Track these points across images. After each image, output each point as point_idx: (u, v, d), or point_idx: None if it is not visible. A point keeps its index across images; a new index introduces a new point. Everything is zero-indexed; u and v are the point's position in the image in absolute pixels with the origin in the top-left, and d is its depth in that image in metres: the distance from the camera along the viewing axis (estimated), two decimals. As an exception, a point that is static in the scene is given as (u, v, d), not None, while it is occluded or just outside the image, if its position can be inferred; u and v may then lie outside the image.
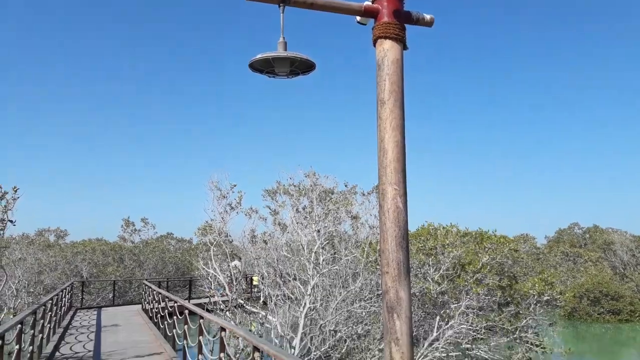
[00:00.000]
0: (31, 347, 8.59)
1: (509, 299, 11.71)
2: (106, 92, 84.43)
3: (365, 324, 11.01)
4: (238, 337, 12.81)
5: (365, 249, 11.57)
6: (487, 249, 11.34)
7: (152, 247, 31.90)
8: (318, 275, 11.01)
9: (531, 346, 11.23)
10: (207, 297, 20.52)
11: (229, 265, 14.52)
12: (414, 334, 10.96)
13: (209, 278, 14.23)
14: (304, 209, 12.91)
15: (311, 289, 10.95)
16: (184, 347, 9.62)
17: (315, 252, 11.32)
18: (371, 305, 10.91)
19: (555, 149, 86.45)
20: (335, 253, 12.38)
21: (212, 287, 13.74)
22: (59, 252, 26.38)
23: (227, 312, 12.38)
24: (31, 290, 18.28)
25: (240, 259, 14.93)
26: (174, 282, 29.14)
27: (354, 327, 10.87)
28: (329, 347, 10.86)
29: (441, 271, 10.82)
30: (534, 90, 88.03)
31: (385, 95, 3.42)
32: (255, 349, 5.21)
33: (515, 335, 11.10)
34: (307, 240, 11.98)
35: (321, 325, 10.71)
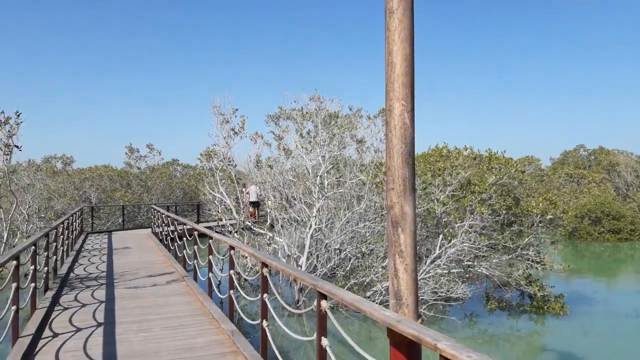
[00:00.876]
0: (46, 268, 8.91)
1: (512, 218, 11.88)
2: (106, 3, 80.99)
3: (369, 243, 11.28)
4: (247, 257, 13.28)
5: (371, 171, 11.59)
6: (493, 169, 11.32)
7: (158, 173, 32.20)
8: (323, 198, 11.13)
9: (532, 263, 11.55)
10: (215, 220, 21.03)
11: (242, 190, 14.70)
12: (417, 252, 11.31)
13: (216, 202, 14.48)
14: (308, 133, 12.83)
15: (316, 212, 11.12)
16: (195, 266, 9.95)
17: (320, 176, 11.38)
18: (375, 226, 11.13)
19: (562, 68, 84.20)
20: (340, 177, 12.44)
21: (220, 211, 14.01)
22: (66, 179, 26.72)
23: (235, 234, 12.70)
24: (42, 215, 18.71)
25: (255, 183, 15.05)
26: (182, 207, 29.71)
27: (359, 246, 11.16)
28: (334, 265, 11.22)
29: (447, 192, 10.88)
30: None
31: (394, 3, 3.22)
32: (264, 264, 5.34)
33: (516, 253, 11.38)
34: (312, 165, 12.01)
35: (326, 244, 10.99)
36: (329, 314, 3.83)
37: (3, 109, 10.62)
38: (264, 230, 12.78)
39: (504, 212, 11.09)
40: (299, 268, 11.08)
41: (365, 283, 10.70)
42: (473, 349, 2.35)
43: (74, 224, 16.35)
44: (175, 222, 13.13)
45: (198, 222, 24.78)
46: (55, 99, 77.19)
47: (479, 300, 11.97)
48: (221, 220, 13.93)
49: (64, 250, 12.63)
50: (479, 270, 11.55)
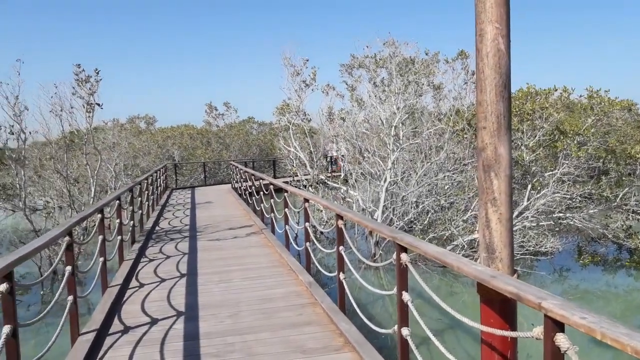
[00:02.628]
0: (132, 222, 9.34)
1: (610, 165, 10.79)
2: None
3: (449, 196, 10.76)
4: (322, 210, 13.26)
5: (452, 118, 10.90)
6: (594, 110, 10.18)
7: (236, 130, 32.95)
8: (398, 150, 10.68)
9: (632, 215, 10.52)
10: (290, 175, 21.22)
11: (325, 150, 14.46)
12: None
13: (291, 157, 14.48)
14: (382, 82, 12.25)
15: (391, 164, 10.72)
16: (272, 219, 10.03)
17: (395, 127, 10.89)
18: (456, 176, 10.54)
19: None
20: (415, 127, 11.87)
21: (294, 166, 14.00)
22: (150, 137, 28.05)
23: (310, 188, 12.65)
24: (129, 173, 19.79)
25: (337, 142, 14.83)
26: (259, 163, 30.34)
27: (438, 199, 10.67)
28: (411, 219, 10.86)
29: (537, 137, 10.00)
30: None
31: None
32: (339, 216, 5.14)
33: (615, 204, 10.39)
34: (386, 115, 11.52)
35: (403, 197, 10.61)
36: (410, 267, 3.55)
37: (83, 67, 11.00)
38: (338, 184, 12.61)
39: (603, 156, 10.03)
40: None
41: (445, 237, 10.29)
42: (587, 308, 1.98)
43: (158, 180, 17.12)
44: (253, 178, 13.31)
45: (274, 177, 25.17)
46: (136, 60, 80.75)
47: (569, 255, 11.18)
48: (296, 175, 13.94)
49: (149, 205, 13.25)
50: (571, 223, 10.70)
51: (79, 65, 11.06)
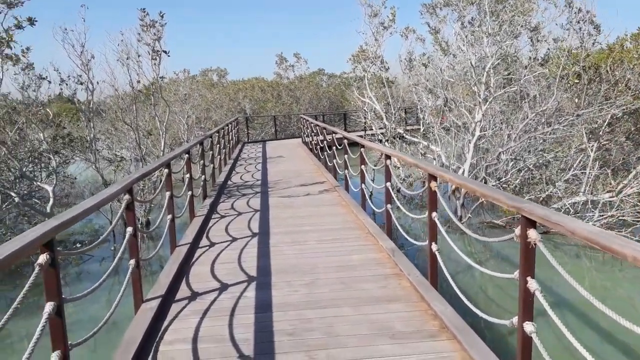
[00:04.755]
0: (203, 176, 9.01)
1: None
2: None
3: (548, 152, 9.48)
4: (398, 167, 12.41)
5: (562, 60, 9.42)
6: None
7: (306, 83, 32.24)
8: (491, 99, 9.47)
9: None
10: (363, 129, 20.30)
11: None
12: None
13: (365, 109, 13.58)
14: (470, 22, 10.87)
15: (481, 116, 9.57)
16: (346, 176, 9.35)
17: (487, 73, 9.63)
18: (567, 130, 9.15)
19: None
20: (509, 74, 10.51)
21: (369, 118, 13.11)
22: (222, 90, 28.01)
23: (386, 143, 11.77)
24: (202, 126, 19.77)
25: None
26: (329, 116, 29.62)
27: (543, 155, 9.37)
28: (503, 177, 9.74)
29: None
30: None
31: None
32: (432, 177, 4.31)
33: None
34: (475, 61, 10.24)
35: (500, 153, 9.40)
36: (541, 247, 2.72)
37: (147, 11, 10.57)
38: (418, 138, 11.62)
39: None
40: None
41: (541, 199, 9.15)
42: None
43: (230, 133, 16.90)
44: (325, 131, 12.62)
45: (345, 131, 24.40)
46: (208, 13, 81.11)
47: None
48: (371, 128, 13.06)
49: (221, 158, 13.00)
50: None
51: (143, 9, 10.69)
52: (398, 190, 12.01)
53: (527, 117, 9.01)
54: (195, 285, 4.79)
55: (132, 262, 4.16)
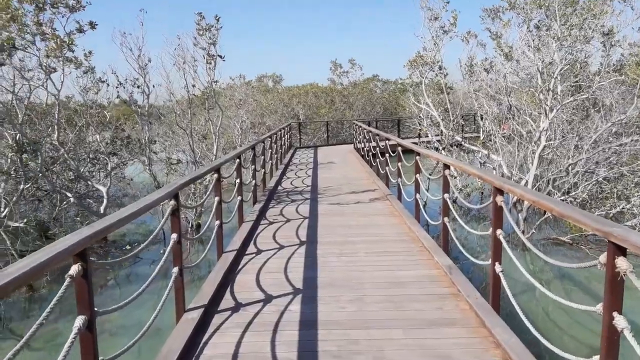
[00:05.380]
0: (254, 181, 8.90)
1: None
2: None
3: (622, 165, 8.72)
4: (455, 177, 11.88)
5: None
6: None
7: (360, 88, 31.95)
8: (559, 107, 8.82)
9: None
10: (417, 136, 19.76)
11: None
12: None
13: (421, 115, 13.13)
14: (537, 26, 10.24)
15: (549, 124, 8.93)
16: (399, 185, 8.98)
17: (554, 79, 9.00)
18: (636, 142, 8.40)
19: None
20: (577, 81, 9.80)
21: (425, 125, 12.65)
22: (276, 96, 28.18)
23: (443, 151, 11.28)
24: (256, 131, 19.89)
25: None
26: (382, 122, 29.18)
27: (619, 168, 8.61)
28: (571, 191, 9.05)
29: None
30: None
31: None
32: (498, 190, 3.92)
33: None
34: (542, 66, 9.61)
35: (569, 166, 8.69)
36: (633, 279, 2.32)
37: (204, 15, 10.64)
38: (477, 146, 11.05)
39: None
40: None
41: (611, 216, 8.41)
42: None
43: (283, 138, 16.86)
44: (378, 138, 12.28)
45: (399, 137, 23.89)
46: (261, 19, 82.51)
47: None
48: (426, 135, 12.60)
49: (272, 163, 12.93)
50: None
51: (200, 13, 10.80)
52: (454, 201, 11.50)
53: (601, 127, 8.28)
54: (239, 295, 4.61)
55: (176, 270, 4.02)
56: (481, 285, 6.79)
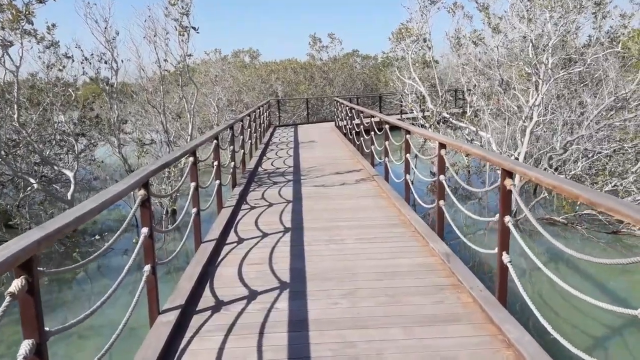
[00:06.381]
0: (232, 163, 8.40)
1: None
2: None
3: (618, 141, 8.44)
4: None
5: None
6: None
7: (340, 64, 31.28)
8: (550, 81, 8.47)
9: None
10: (400, 112, 19.40)
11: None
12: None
13: (405, 91, 12.70)
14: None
15: (540, 99, 8.59)
16: (386, 164, 8.59)
17: (547, 51, 8.62)
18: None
19: None
20: (568, 54, 9.46)
21: (409, 101, 12.23)
22: (254, 72, 27.35)
23: (430, 128, 10.91)
24: (233, 109, 19.20)
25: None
26: (363, 99, 28.70)
27: (621, 144, 8.27)
28: (558, 168, 8.80)
29: None
30: None
31: None
32: (507, 172, 3.54)
33: None
34: (532, 38, 9.22)
35: (567, 143, 8.34)
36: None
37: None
38: (465, 123, 10.69)
39: None
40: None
41: (605, 192, 8.16)
42: None
43: (262, 117, 16.28)
44: (362, 115, 11.83)
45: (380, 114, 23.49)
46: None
47: None
48: (412, 111, 12.20)
49: (252, 143, 12.40)
50: None
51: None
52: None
53: (603, 102, 7.94)
54: (220, 292, 4.19)
55: (147, 268, 3.57)
56: (481, 274, 6.38)
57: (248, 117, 11.82)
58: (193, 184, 5.18)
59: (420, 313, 3.71)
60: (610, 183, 8.07)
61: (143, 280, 3.51)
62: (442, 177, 5.26)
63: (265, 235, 5.75)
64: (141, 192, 3.53)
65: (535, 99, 8.48)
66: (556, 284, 3.11)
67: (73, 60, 9.75)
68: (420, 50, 12.27)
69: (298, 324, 3.58)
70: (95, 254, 2.90)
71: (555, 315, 5.64)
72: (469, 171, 11.57)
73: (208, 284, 4.34)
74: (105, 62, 10.04)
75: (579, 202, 7.62)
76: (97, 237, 8.40)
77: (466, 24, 13.42)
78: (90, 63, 9.99)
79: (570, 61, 9.18)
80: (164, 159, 4.37)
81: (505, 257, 3.63)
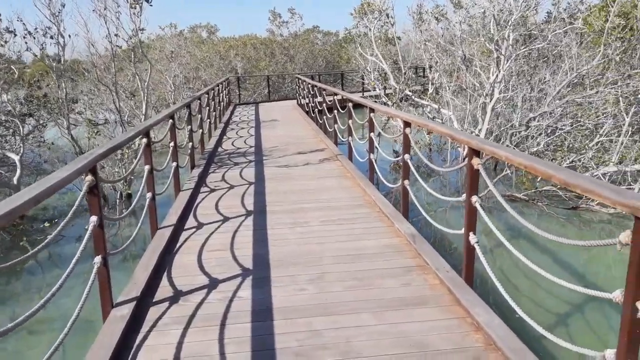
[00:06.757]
0: (190, 144, 8.07)
1: None
2: None
3: (580, 117, 8.55)
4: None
5: (612, 11, 8.28)
6: None
7: (301, 40, 30.76)
8: (513, 56, 8.47)
9: None
10: (362, 90, 19.25)
11: None
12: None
13: (368, 68, 12.53)
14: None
15: (501, 76, 8.60)
16: (349, 144, 8.45)
17: (508, 27, 8.60)
18: (600, 94, 8.18)
19: None
20: (530, 30, 9.48)
21: (372, 78, 12.08)
22: (212, 48, 26.51)
23: (393, 106, 10.80)
24: (190, 86, 18.57)
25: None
26: (324, 76, 28.39)
27: (582, 122, 8.39)
28: (519, 143, 8.88)
29: None
30: None
31: None
32: (474, 151, 3.45)
33: None
34: (494, 13, 9.18)
35: (530, 119, 8.37)
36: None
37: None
38: (427, 100, 10.65)
39: None
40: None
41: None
42: None
43: (221, 94, 15.81)
44: (324, 93, 11.62)
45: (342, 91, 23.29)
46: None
47: None
48: (374, 89, 12.06)
49: (211, 122, 12.01)
50: None
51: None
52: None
53: (565, 78, 7.98)
54: (178, 281, 3.97)
55: (98, 259, 3.31)
56: (443, 252, 6.34)
57: (206, 95, 11.42)
58: (147, 167, 4.89)
59: (389, 297, 3.61)
60: (569, 159, 8.21)
61: (93, 272, 3.26)
62: (407, 156, 5.16)
63: (226, 219, 5.53)
64: (88, 178, 3.24)
65: (497, 76, 8.49)
66: (519, 261, 3.07)
67: (15, 35, 9.06)
68: (383, 26, 12.10)
69: (262, 313, 3.43)
70: (43, 242, 2.64)
71: (517, 291, 5.71)
72: (430, 149, 11.60)
73: (165, 274, 4.12)
74: (51, 37, 9.37)
75: (538, 178, 7.77)
76: (47, 224, 7.94)
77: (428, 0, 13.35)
78: (34, 38, 9.30)
79: (530, 37, 9.22)
80: (114, 141, 4.07)
81: (473, 238, 3.56)
